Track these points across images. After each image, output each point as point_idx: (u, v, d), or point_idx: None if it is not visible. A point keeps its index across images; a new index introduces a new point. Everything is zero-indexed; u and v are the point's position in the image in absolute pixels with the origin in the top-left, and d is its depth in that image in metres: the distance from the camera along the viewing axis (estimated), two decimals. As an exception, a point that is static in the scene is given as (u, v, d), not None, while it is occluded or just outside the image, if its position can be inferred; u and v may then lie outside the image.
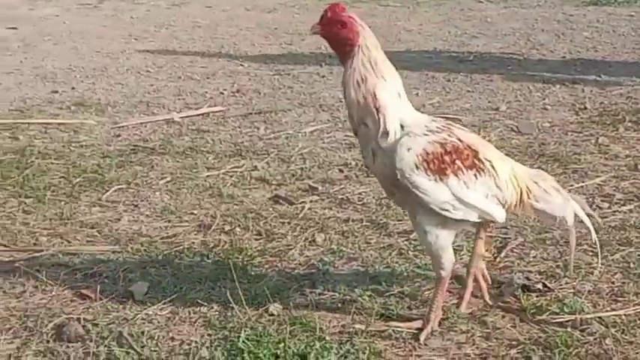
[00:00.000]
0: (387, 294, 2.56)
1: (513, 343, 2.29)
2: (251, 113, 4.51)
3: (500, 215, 2.29)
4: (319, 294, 2.59)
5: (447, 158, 2.20)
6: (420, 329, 2.33)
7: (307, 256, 2.86)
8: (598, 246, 2.48)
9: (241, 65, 5.59)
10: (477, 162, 2.24)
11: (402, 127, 2.22)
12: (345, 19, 2.24)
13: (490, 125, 4.11)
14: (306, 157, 3.80)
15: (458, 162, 2.21)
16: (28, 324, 2.45)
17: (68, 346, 2.34)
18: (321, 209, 3.25)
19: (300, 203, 3.32)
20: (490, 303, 2.45)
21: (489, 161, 2.27)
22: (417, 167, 2.18)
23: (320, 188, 3.44)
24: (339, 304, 2.53)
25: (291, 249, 2.91)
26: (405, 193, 2.22)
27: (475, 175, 2.23)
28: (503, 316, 2.42)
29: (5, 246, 2.97)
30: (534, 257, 2.77)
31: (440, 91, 4.79)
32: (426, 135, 2.21)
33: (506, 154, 3.61)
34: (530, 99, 4.56)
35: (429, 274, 2.67)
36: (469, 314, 2.43)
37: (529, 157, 3.65)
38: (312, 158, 3.78)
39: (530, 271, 2.66)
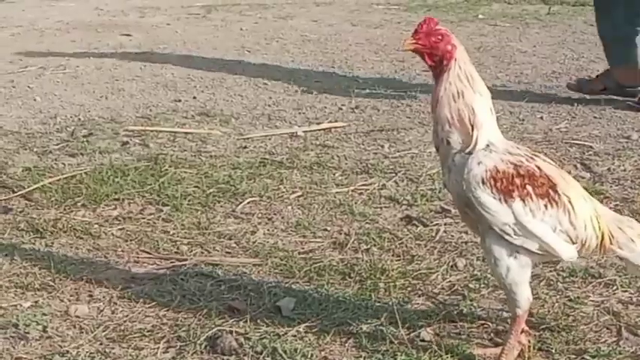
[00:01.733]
0: (541, 327, 2.49)
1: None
2: (373, 130, 4.49)
3: (567, 253, 2.20)
4: (470, 322, 2.54)
5: (517, 181, 2.13)
6: None
7: (450, 282, 2.81)
8: None
9: (356, 81, 5.57)
10: (551, 192, 2.16)
11: (487, 145, 2.17)
12: (443, 31, 2.20)
13: (624, 154, 3.99)
14: (434, 177, 3.76)
15: (529, 187, 2.14)
16: (180, 334, 2.47)
17: (223, 359, 2.34)
18: (457, 232, 3.20)
19: (434, 225, 3.27)
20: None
21: (567, 197, 2.18)
22: (484, 182, 2.12)
23: (453, 210, 3.39)
24: (492, 335, 2.47)
25: (432, 273, 2.87)
26: (476, 213, 2.16)
27: (545, 206, 2.15)
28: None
29: (148, 253, 3.01)
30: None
31: (565, 115, 4.68)
32: (503, 154, 2.16)
33: (645, 185, 3.58)
34: (661, 128, 4.42)
35: (584, 309, 2.59)
36: (631, 353, 2.34)
37: (670, 191, 3.53)
38: (441, 179, 3.73)
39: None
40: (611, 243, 2.25)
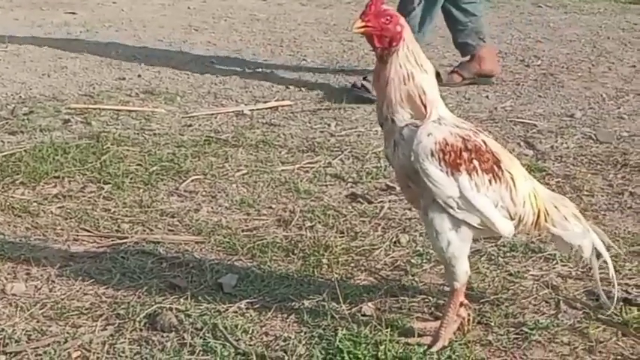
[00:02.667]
0: (482, 301, 2.51)
1: (619, 357, 2.23)
2: (320, 109, 4.47)
3: (505, 229, 2.22)
4: (411, 296, 2.55)
5: (465, 155, 2.13)
6: (430, 346, 2.24)
7: (393, 257, 2.82)
8: (614, 280, 2.37)
9: (304, 60, 5.54)
10: (496, 168, 2.17)
11: (438, 118, 2.17)
12: (391, 12, 2.17)
13: (567, 132, 4.04)
14: (380, 155, 3.75)
15: (475, 162, 2.15)
16: (120, 311, 2.43)
17: (163, 336, 2.32)
18: (401, 209, 3.20)
19: (379, 202, 3.27)
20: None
21: (510, 174, 2.20)
22: (432, 154, 2.11)
23: (397, 188, 3.39)
24: (433, 309, 2.48)
25: (376, 249, 2.87)
26: (420, 186, 2.16)
27: (490, 181, 2.16)
28: (604, 330, 2.36)
29: (88, 231, 2.96)
30: (630, 270, 2.70)
31: (510, 95, 4.72)
32: (452, 127, 2.17)
33: (588, 163, 3.63)
34: (604, 107, 4.47)
35: (524, 283, 2.62)
36: (569, 326, 2.37)
37: (612, 167, 3.57)
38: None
39: (627, 284, 2.60)
40: (546, 221, 2.27)
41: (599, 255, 2.33)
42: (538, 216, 2.26)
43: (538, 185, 2.32)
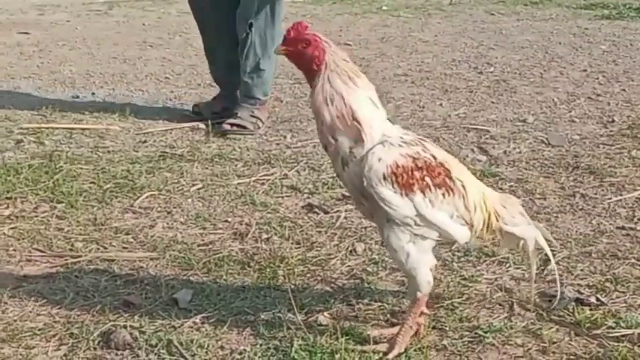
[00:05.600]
0: (437, 306, 2.52)
1: (572, 357, 2.25)
2: (275, 121, 4.47)
3: (461, 236, 2.25)
4: (367, 304, 2.56)
5: (417, 174, 2.15)
6: (386, 353, 2.24)
7: (349, 266, 2.82)
8: (556, 273, 2.44)
9: (260, 73, 5.53)
10: (447, 181, 2.19)
11: (383, 140, 2.16)
12: (309, 36, 2.17)
13: (519, 137, 4.09)
14: (336, 166, 3.76)
15: (427, 179, 2.16)
16: (73, 331, 2.40)
17: (117, 354, 2.29)
18: (357, 219, 3.21)
19: (335, 212, 3.28)
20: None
21: (461, 181, 2.23)
22: (385, 179, 2.12)
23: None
24: (389, 316, 2.49)
25: (332, 258, 2.87)
26: (374, 204, 2.17)
27: (443, 195, 2.18)
28: (557, 330, 2.38)
29: (41, 251, 2.93)
30: (582, 270, 2.74)
31: (464, 102, 4.77)
32: (400, 146, 2.16)
33: (540, 167, 3.68)
34: (556, 111, 4.54)
35: (478, 287, 2.64)
36: (523, 327, 2.40)
37: (563, 170, 3.62)
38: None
39: (580, 285, 2.63)
40: (497, 220, 2.29)
41: (540, 248, 2.37)
42: (489, 218, 2.28)
43: (485, 188, 2.34)
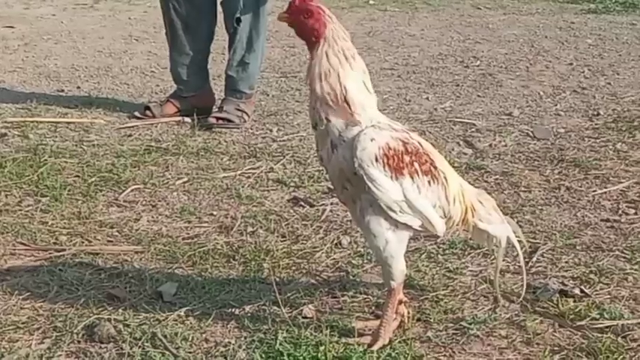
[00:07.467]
0: (421, 298, 2.52)
1: (556, 348, 2.26)
2: (262, 115, 4.46)
3: (440, 228, 2.25)
4: (352, 297, 2.56)
5: (406, 158, 2.15)
6: (370, 345, 2.24)
7: (334, 259, 2.82)
8: (524, 269, 2.45)
9: (246, 67, 5.52)
10: (432, 170, 2.20)
11: (373, 123, 2.17)
12: (312, 8, 2.16)
13: (505, 130, 4.09)
14: (322, 159, 3.76)
15: (416, 164, 2.16)
16: (57, 324, 2.39)
17: (101, 347, 2.29)
18: (343, 212, 3.20)
19: (321, 205, 3.28)
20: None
21: (443, 173, 2.23)
22: (377, 160, 2.11)
23: (338, 190, 3.40)
24: (374, 308, 2.49)
25: (317, 251, 2.87)
26: (359, 188, 2.16)
27: (429, 182, 2.19)
28: (541, 322, 2.39)
29: (25, 245, 2.91)
30: (566, 262, 2.74)
31: (450, 95, 4.77)
32: (390, 130, 2.17)
33: (526, 160, 3.69)
34: (541, 105, 4.55)
35: (462, 279, 2.65)
36: (507, 319, 2.40)
37: (549, 163, 3.63)
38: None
39: (564, 277, 2.64)
40: (472, 216, 2.30)
41: (510, 245, 2.39)
42: (465, 212, 2.29)
43: (463, 182, 2.35)
